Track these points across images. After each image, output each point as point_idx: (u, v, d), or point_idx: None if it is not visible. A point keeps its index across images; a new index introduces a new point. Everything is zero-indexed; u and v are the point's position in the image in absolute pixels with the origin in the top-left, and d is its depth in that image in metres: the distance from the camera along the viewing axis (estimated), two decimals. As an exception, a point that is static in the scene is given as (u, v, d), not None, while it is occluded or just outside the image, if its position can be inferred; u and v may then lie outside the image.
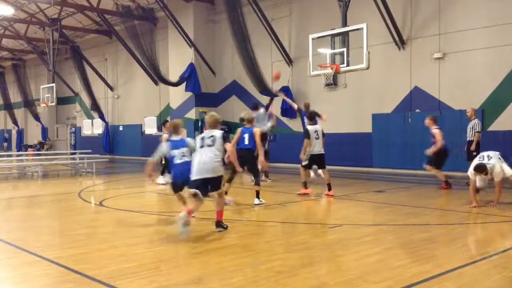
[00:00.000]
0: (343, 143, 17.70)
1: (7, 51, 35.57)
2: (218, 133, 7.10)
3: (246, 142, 9.46)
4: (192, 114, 23.09)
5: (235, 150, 8.44)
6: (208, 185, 6.93)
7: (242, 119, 10.16)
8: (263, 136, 11.72)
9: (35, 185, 14.80)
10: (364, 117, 17.48)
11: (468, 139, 12.41)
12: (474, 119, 12.37)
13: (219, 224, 7.04)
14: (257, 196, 9.62)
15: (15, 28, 30.85)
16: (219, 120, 7.38)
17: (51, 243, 6.81)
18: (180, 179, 7.39)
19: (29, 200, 10.36)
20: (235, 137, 9.62)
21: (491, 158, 8.83)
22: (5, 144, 40.58)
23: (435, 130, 12.08)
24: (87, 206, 10.12)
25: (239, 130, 9.69)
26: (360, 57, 13.18)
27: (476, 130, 12.20)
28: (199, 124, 22.36)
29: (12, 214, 9.13)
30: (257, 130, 9.48)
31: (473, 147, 12.15)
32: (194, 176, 6.90)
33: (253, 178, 10.35)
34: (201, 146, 7.03)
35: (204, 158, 6.89)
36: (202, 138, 7.12)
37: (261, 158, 9.40)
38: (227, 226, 7.09)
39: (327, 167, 11.04)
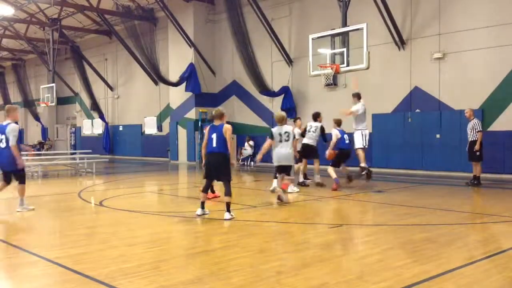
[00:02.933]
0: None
1: (7, 51, 35.59)
2: (290, 128, 9.77)
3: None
4: (192, 114, 23.10)
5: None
6: (284, 169, 9.77)
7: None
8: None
9: (35, 185, 14.79)
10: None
11: (469, 139, 12.37)
12: (473, 119, 12.37)
13: (280, 197, 9.57)
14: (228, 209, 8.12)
15: (15, 28, 30.87)
16: (285, 117, 9.87)
17: (51, 243, 6.81)
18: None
19: (29, 200, 10.34)
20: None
21: None
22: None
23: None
24: (87, 206, 10.11)
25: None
26: (360, 57, 13.19)
27: (477, 130, 12.17)
28: (199, 124, 22.38)
29: (12, 215, 9.11)
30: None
31: (477, 146, 12.14)
32: (276, 163, 9.74)
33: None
34: (280, 141, 9.61)
35: (284, 150, 9.63)
36: (280, 134, 9.62)
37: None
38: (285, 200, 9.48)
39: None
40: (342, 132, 11.97)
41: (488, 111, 14.71)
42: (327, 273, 4.99)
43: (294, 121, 13.28)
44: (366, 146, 12.20)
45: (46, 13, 27.85)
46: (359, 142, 12.08)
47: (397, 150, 16.55)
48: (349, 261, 5.51)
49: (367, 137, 12.20)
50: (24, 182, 9.12)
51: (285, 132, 9.67)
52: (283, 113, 10.05)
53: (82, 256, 5.74)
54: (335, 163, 11.92)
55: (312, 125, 12.51)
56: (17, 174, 9.00)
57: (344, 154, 11.92)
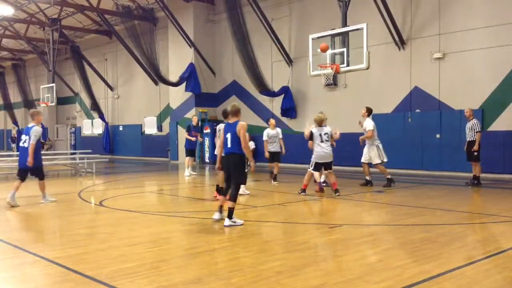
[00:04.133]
0: (343, 143, 17.65)
1: (7, 51, 35.59)
2: (329, 129, 10.93)
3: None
4: (192, 114, 23.06)
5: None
6: (328, 166, 10.87)
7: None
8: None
9: (35, 185, 14.79)
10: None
11: (467, 139, 12.40)
12: (472, 119, 12.38)
13: (337, 190, 10.76)
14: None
15: (15, 28, 30.86)
16: (324, 119, 10.95)
17: (51, 243, 6.82)
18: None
19: (29, 200, 10.35)
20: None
21: None
22: (13, 145, 39.53)
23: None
24: (87, 206, 10.11)
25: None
26: (360, 57, 13.19)
27: (476, 130, 12.19)
28: (199, 124, 22.37)
29: (12, 214, 9.12)
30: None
31: (476, 147, 12.15)
32: (317, 160, 10.80)
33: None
34: (321, 141, 10.71)
35: (325, 149, 10.73)
36: (320, 135, 10.73)
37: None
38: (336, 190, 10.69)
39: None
40: None
41: (488, 111, 14.71)
42: (327, 273, 5.00)
43: (268, 122, 14.19)
44: (385, 160, 12.36)
45: (46, 13, 27.86)
46: (377, 157, 12.22)
47: (397, 150, 16.53)
48: (349, 261, 5.51)
49: (383, 150, 12.36)
50: (43, 178, 10.13)
51: (325, 133, 10.84)
52: (322, 116, 10.98)
53: (82, 256, 5.74)
54: (316, 168, 11.33)
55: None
56: (35, 172, 9.89)
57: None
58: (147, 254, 5.85)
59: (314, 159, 10.90)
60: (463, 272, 4.96)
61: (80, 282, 4.73)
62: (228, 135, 7.48)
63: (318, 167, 10.95)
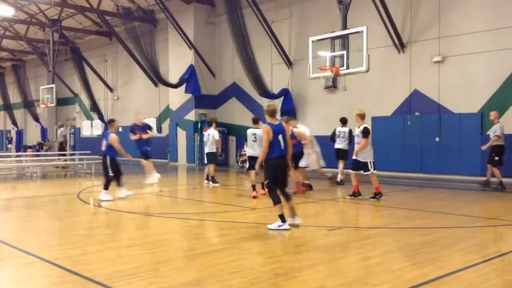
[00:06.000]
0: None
1: (7, 51, 35.58)
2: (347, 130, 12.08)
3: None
4: (191, 116, 23.10)
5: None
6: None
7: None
8: None
9: (34, 186, 14.79)
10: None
11: (494, 143, 12.16)
12: (497, 122, 12.23)
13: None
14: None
15: (15, 28, 30.88)
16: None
17: (50, 244, 6.80)
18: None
19: (28, 201, 10.35)
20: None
21: None
22: (10, 146, 39.46)
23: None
24: (86, 207, 10.10)
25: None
26: (360, 60, 13.18)
27: (495, 134, 12.02)
28: (199, 126, 22.39)
29: (11, 215, 9.12)
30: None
31: (484, 147, 12.17)
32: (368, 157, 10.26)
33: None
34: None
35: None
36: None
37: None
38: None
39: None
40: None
41: (487, 115, 14.69)
42: (326, 275, 4.99)
43: (210, 125, 14.22)
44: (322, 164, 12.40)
45: (47, 14, 27.86)
46: (316, 162, 11.93)
47: (396, 153, 16.55)
48: (348, 263, 5.51)
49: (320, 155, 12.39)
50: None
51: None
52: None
53: (81, 257, 5.73)
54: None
55: (341, 130, 13.51)
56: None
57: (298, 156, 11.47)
58: (145, 256, 5.84)
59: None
60: (462, 275, 4.96)
61: (79, 283, 4.73)
62: (280, 137, 7.19)
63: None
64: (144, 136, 14.36)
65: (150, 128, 14.88)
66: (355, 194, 10.62)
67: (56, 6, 24.92)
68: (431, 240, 6.54)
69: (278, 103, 20.39)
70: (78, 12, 25.57)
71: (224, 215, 7.78)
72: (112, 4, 24.42)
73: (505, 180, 12.27)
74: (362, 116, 10.44)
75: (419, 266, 5.28)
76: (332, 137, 13.77)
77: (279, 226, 7.18)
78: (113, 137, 10.57)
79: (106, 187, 10.50)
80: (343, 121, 13.65)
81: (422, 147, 16.04)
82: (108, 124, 11.39)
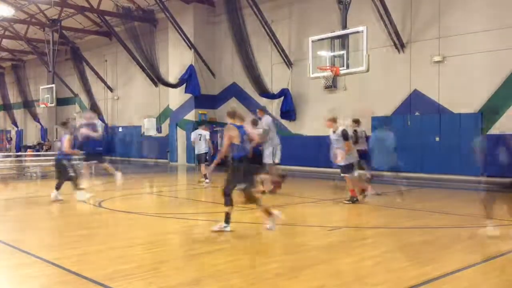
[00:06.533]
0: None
1: (7, 51, 35.58)
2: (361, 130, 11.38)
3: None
4: (191, 116, 23.10)
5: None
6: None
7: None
8: None
9: (34, 186, 14.78)
10: (363, 120, 17.44)
11: None
12: None
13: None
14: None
15: (15, 28, 30.86)
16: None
17: (50, 244, 6.79)
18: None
19: (28, 201, 10.35)
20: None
21: None
22: (9, 146, 39.41)
23: None
24: (85, 207, 10.09)
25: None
26: (359, 59, 13.20)
27: None
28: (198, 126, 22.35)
29: (10, 215, 9.11)
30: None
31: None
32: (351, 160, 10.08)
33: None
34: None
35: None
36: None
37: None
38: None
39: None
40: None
41: (487, 115, 14.71)
42: (326, 275, 4.99)
43: (200, 126, 14.72)
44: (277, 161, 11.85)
45: (46, 14, 27.86)
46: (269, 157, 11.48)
47: (396, 153, 16.51)
48: (348, 263, 5.50)
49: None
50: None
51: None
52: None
53: (81, 257, 5.73)
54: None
55: (359, 131, 12.80)
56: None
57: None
58: (145, 256, 5.84)
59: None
60: (461, 275, 4.96)
61: (78, 284, 4.73)
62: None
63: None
64: (92, 135, 12.77)
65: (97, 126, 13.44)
66: (364, 194, 10.43)
67: (56, 6, 24.94)
68: (431, 240, 6.53)
69: (278, 103, 20.42)
70: (78, 12, 25.58)
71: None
72: (112, 4, 24.42)
73: (503, 180, 12.23)
74: (334, 120, 10.10)
75: (419, 266, 5.27)
76: (357, 139, 13.14)
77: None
78: (67, 139, 10.51)
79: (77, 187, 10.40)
80: (357, 122, 12.95)
81: (422, 146, 16.04)
82: (63, 125, 11.14)
